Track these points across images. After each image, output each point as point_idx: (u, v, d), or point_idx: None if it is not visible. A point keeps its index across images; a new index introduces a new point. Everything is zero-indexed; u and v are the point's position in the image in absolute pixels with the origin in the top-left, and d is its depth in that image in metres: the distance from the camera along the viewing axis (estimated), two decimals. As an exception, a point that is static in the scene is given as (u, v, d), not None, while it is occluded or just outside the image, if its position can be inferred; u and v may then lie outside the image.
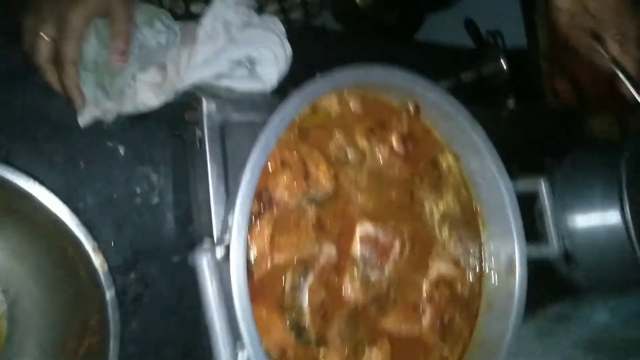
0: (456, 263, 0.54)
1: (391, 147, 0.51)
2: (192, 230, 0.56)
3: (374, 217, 0.49)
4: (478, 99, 0.77)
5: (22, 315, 0.46)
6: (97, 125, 0.53)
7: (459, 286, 0.53)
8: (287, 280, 0.43)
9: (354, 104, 0.49)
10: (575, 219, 0.62)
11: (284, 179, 0.43)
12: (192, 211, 0.55)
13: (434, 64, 0.82)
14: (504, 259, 0.54)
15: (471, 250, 0.55)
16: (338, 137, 0.48)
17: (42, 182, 0.39)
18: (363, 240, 0.47)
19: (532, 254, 0.53)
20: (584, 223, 0.62)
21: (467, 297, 0.53)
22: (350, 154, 0.48)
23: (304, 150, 0.45)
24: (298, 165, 0.44)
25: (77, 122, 0.52)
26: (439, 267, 0.52)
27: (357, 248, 0.47)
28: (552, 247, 0.53)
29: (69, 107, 0.50)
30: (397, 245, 0.49)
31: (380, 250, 0.48)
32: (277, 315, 0.42)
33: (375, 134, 0.50)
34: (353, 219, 0.48)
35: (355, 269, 0.47)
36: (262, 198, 0.42)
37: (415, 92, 0.50)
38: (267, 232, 0.42)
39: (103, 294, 0.40)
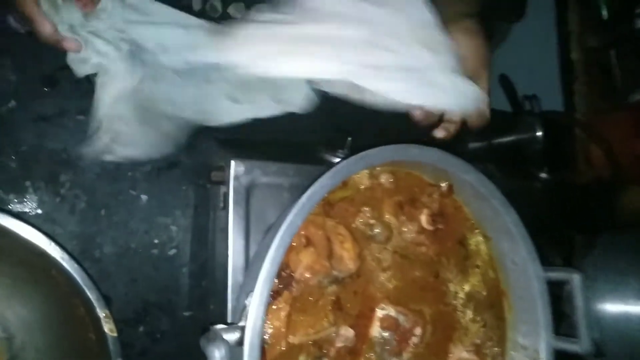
0: (477, 350, 0.51)
1: (419, 224, 0.49)
2: (206, 286, 0.55)
3: (395, 298, 0.47)
4: (510, 166, 0.75)
5: (25, 367, 0.45)
6: (122, 173, 0.52)
7: (478, 375, 0.50)
8: (300, 364, 0.41)
9: (385, 179, 0.48)
10: (606, 309, 0.59)
11: (307, 258, 0.41)
12: (208, 267, 0.54)
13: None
14: (529, 347, 0.51)
15: (494, 337, 0.52)
16: (366, 212, 0.46)
17: (58, 242, 0.38)
18: (383, 323, 0.45)
19: (558, 346, 0.50)
20: (616, 314, 0.58)
21: (486, 388, 0.50)
22: (377, 230, 0.47)
23: (330, 225, 0.44)
24: (322, 244, 0.42)
25: (103, 169, 0.51)
26: (460, 355, 0.50)
27: (376, 331, 0.45)
28: (583, 344, 0.50)
29: (97, 156, 0.50)
30: (418, 330, 0.46)
31: (400, 334, 0.46)
32: (287, 401, 0.39)
33: (404, 210, 0.49)
34: (374, 299, 0.46)
35: (372, 353, 0.45)
36: (283, 276, 0.41)
37: (449, 172, 0.48)
38: (284, 312, 0.40)
39: (109, 361, 0.39)
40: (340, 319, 0.43)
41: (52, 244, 0.38)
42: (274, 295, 0.40)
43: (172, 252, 0.54)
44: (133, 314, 0.52)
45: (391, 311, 0.46)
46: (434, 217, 0.49)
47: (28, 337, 0.45)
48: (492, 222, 0.52)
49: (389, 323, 0.45)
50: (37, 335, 0.45)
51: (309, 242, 0.42)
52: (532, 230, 0.52)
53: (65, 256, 0.38)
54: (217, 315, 0.48)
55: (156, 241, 0.53)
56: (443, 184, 0.49)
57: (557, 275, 0.52)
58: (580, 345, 0.50)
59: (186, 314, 0.54)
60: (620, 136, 0.93)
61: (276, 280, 0.40)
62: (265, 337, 0.39)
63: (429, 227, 0.49)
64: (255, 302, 0.35)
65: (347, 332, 0.43)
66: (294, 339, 0.41)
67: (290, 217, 0.37)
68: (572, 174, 0.83)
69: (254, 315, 0.35)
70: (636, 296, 0.57)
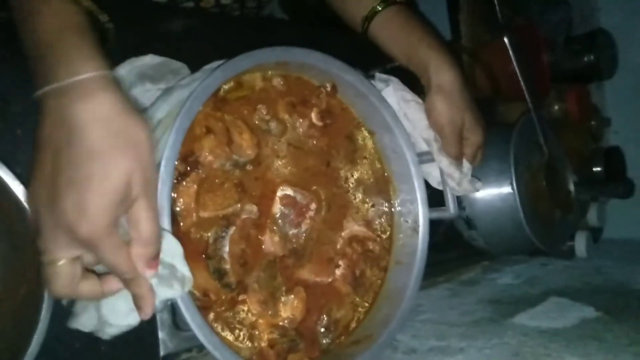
0: (368, 224, 0.61)
1: (311, 121, 0.57)
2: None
3: (292, 182, 0.55)
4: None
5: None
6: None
7: (370, 244, 0.61)
8: (211, 233, 0.48)
9: (277, 82, 0.55)
10: (476, 190, 0.71)
11: (208, 143, 0.48)
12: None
13: (370, 54, 0.89)
14: (410, 221, 0.62)
15: (382, 214, 0.62)
16: (262, 110, 0.54)
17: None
18: (282, 201, 0.53)
19: (433, 215, 0.61)
20: (482, 193, 0.71)
21: (377, 254, 0.61)
22: (272, 125, 0.54)
23: (229, 119, 0.51)
24: (222, 133, 0.49)
25: (14, 93, 0.54)
26: (352, 227, 0.59)
27: (277, 208, 0.53)
28: (449, 210, 0.62)
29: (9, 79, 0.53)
30: (313, 206, 0.55)
31: (298, 210, 0.55)
32: (201, 262, 0.47)
33: (296, 108, 0.56)
34: (274, 183, 0.54)
35: (275, 226, 0.53)
36: (189, 160, 0.47)
37: (331, 72, 0.56)
38: (192, 190, 0.47)
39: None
40: (245, 198, 0.51)
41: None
42: (183, 176, 0.47)
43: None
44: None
45: (289, 191, 0.54)
46: (322, 114, 0.58)
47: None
48: (374, 118, 0.61)
49: (288, 201, 0.54)
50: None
51: (209, 131, 0.49)
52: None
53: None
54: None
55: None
56: (328, 84, 0.58)
57: (428, 157, 0.62)
58: (448, 211, 0.62)
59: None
60: (498, 60, 1.07)
61: (184, 164, 0.47)
62: (177, 209, 0.46)
63: (319, 123, 0.58)
64: (162, 168, 0.42)
65: (251, 207, 0.51)
66: (204, 214, 0.48)
67: (187, 104, 0.44)
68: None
69: (162, 180, 0.41)
70: (496, 177, 0.69)
